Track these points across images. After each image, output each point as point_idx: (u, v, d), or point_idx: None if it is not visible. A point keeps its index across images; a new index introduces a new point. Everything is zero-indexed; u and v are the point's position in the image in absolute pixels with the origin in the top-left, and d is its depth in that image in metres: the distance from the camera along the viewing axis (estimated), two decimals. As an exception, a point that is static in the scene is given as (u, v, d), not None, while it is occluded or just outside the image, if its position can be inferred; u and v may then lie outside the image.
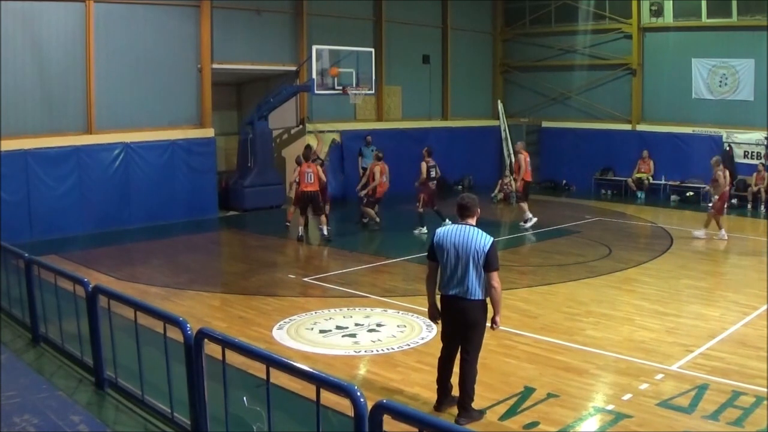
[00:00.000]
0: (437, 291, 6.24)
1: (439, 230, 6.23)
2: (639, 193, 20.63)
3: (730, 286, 10.75)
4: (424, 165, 15.35)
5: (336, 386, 3.94)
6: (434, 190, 15.49)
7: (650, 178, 20.67)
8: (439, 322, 6.36)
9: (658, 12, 20.73)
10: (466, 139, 21.57)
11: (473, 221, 6.16)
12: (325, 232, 14.38)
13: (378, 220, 15.75)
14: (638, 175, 20.77)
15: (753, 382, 6.80)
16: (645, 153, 20.79)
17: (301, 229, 14.33)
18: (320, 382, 4.07)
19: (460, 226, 6.13)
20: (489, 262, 5.92)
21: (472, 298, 5.96)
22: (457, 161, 21.57)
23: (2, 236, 9.86)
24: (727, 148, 19.16)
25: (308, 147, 15.82)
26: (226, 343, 4.86)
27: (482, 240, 5.96)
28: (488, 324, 6.18)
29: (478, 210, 6.27)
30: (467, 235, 6.00)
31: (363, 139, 19.14)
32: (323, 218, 14.44)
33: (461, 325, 6.09)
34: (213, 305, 10.14)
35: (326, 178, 15.16)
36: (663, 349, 7.88)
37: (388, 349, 8.00)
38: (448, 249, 6.03)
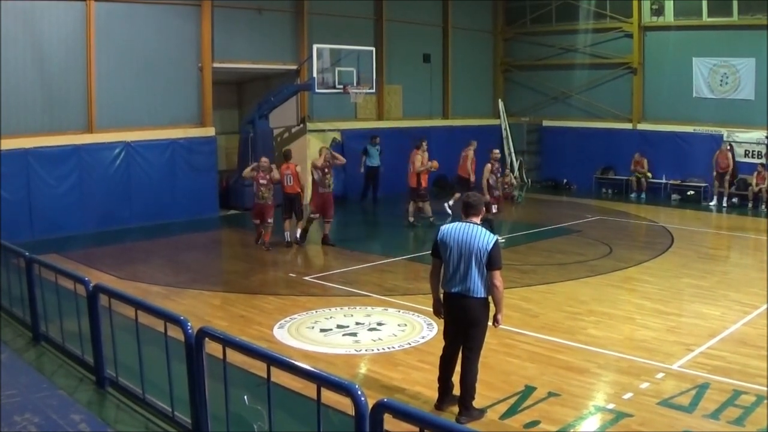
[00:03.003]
0: (441, 288, 6.25)
1: (443, 227, 6.25)
2: (634, 195, 20.52)
3: (731, 285, 10.74)
4: (488, 166, 14.32)
5: (337, 385, 3.95)
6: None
7: (647, 175, 20.60)
8: (442, 319, 6.38)
9: (658, 11, 20.72)
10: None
11: (477, 219, 6.19)
12: (288, 238, 13.69)
13: (429, 216, 15.48)
14: (638, 174, 20.71)
15: (754, 381, 6.80)
16: (636, 155, 20.74)
17: (287, 234, 13.74)
18: (321, 380, 4.07)
19: (464, 224, 6.15)
20: (491, 261, 5.93)
21: (475, 296, 5.97)
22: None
23: (3, 235, 9.86)
24: (728, 147, 19.15)
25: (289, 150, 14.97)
26: (227, 342, 4.86)
27: (485, 238, 5.97)
28: (490, 322, 6.19)
29: (484, 209, 6.30)
30: (471, 233, 6.01)
31: (369, 138, 19.10)
32: (299, 223, 13.93)
33: (463, 323, 6.09)
34: (214, 304, 10.15)
35: (305, 181, 14.19)
36: (664, 348, 7.89)
37: (388, 347, 8.01)
38: (452, 246, 6.05)
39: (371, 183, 19.44)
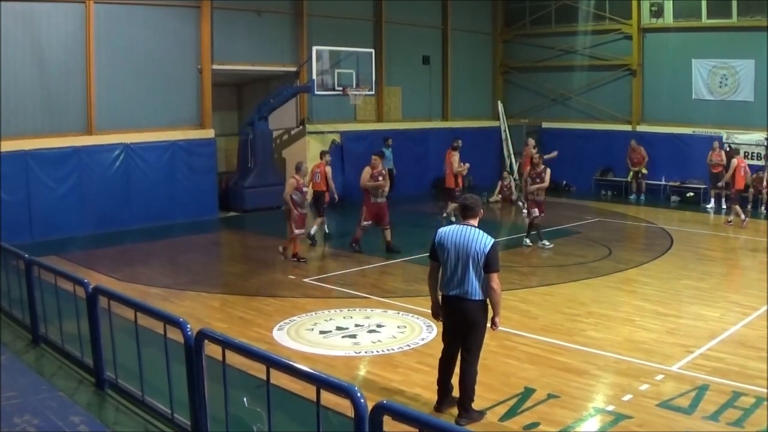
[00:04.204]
0: (439, 291, 6.25)
1: (441, 230, 6.25)
2: (633, 196, 20.50)
3: (731, 287, 10.76)
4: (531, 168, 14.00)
5: (336, 387, 3.95)
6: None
7: (643, 171, 20.45)
8: (440, 321, 6.38)
9: (658, 12, 20.73)
10: (466, 140, 21.45)
11: (475, 222, 6.18)
12: (312, 232, 14.06)
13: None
14: (634, 169, 20.58)
15: (753, 383, 6.80)
16: (633, 142, 20.53)
17: (325, 227, 14.57)
18: (320, 382, 4.07)
19: (461, 226, 6.14)
20: (489, 264, 5.92)
21: (473, 298, 5.97)
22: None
23: (2, 237, 9.88)
24: (728, 149, 19.15)
25: (323, 152, 15.20)
26: (227, 344, 4.86)
27: (483, 241, 5.96)
28: (488, 324, 6.19)
29: (481, 211, 6.31)
30: (468, 236, 6.00)
31: (383, 140, 19.09)
32: (318, 220, 14.36)
33: (461, 326, 6.09)
34: (213, 306, 10.14)
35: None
36: (663, 349, 7.89)
37: (388, 349, 8.01)
38: (449, 249, 6.04)
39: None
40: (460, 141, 16.30)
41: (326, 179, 14.10)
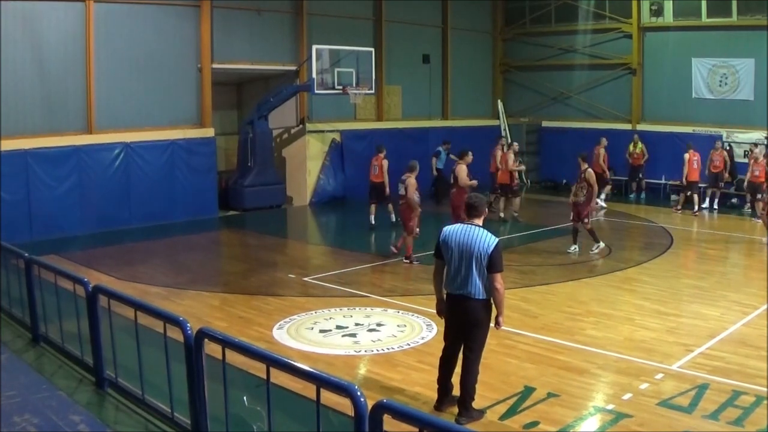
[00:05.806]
0: (444, 289, 6.25)
1: (446, 228, 6.25)
2: (633, 195, 20.56)
3: (731, 286, 10.74)
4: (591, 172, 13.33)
5: (336, 386, 3.95)
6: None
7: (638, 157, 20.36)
8: (443, 320, 6.38)
9: (658, 11, 20.74)
10: (466, 139, 21.51)
11: (480, 221, 6.18)
12: (393, 219, 15.36)
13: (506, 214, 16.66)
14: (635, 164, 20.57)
15: (753, 382, 6.81)
16: (636, 137, 20.48)
17: (372, 217, 15.37)
18: (320, 381, 4.07)
19: (466, 225, 6.14)
20: (492, 263, 5.92)
21: (476, 297, 5.97)
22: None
23: (2, 236, 9.86)
24: (728, 148, 19.14)
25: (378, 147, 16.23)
26: (227, 343, 4.86)
27: (487, 240, 5.96)
28: (492, 324, 6.19)
29: (486, 210, 6.31)
30: (472, 235, 6.00)
31: (442, 142, 19.48)
32: (390, 206, 15.42)
33: (465, 325, 6.09)
34: (213, 305, 10.15)
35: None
36: (663, 348, 7.89)
37: (388, 348, 8.01)
38: (453, 248, 6.05)
39: (440, 185, 19.11)
40: (502, 140, 17.84)
41: (383, 172, 15.30)
